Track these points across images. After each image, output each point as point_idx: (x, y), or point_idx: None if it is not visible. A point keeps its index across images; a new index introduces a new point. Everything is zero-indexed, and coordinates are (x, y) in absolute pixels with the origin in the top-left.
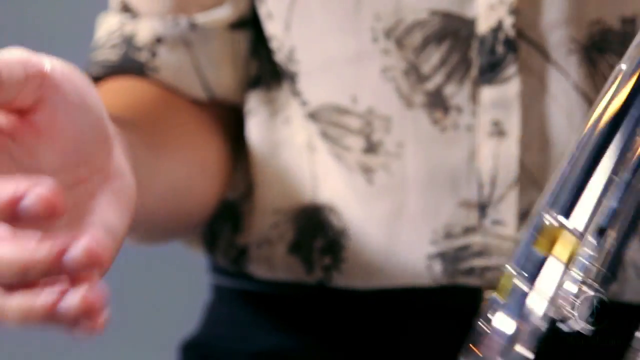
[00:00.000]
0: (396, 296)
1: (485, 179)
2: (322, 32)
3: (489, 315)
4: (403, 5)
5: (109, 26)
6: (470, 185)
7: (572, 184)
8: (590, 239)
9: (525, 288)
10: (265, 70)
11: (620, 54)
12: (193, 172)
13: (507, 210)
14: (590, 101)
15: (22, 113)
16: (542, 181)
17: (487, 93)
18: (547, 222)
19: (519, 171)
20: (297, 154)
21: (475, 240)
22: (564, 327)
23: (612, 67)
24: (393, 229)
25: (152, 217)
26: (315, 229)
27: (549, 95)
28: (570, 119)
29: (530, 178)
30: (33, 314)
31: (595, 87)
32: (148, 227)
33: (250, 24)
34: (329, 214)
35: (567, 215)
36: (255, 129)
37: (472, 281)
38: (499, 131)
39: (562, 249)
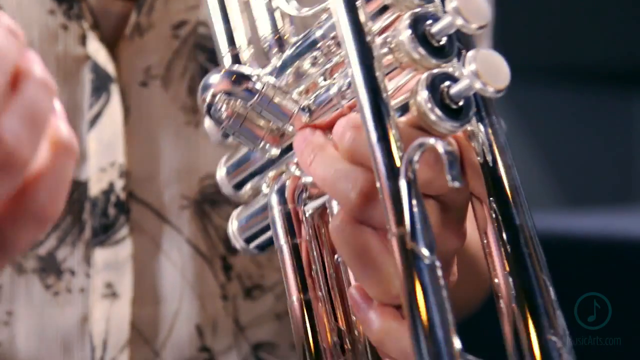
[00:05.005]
0: None
1: (97, 342)
2: None
3: None
4: None
5: None
6: (84, 348)
7: None
8: None
9: None
10: None
11: (232, 205)
12: None
13: None
14: (201, 254)
15: None
16: (153, 339)
17: (100, 255)
18: None
19: (130, 333)
20: None
21: None
22: None
23: (223, 218)
24: None
25: None
26: None
27: (163, 253)
28: (184, 273)
29: (141, 338)
30: None
31: (206, 240)
32: None
33: None
34: None
35: None
36: None
37: None
38: (112, 293)
39: None
